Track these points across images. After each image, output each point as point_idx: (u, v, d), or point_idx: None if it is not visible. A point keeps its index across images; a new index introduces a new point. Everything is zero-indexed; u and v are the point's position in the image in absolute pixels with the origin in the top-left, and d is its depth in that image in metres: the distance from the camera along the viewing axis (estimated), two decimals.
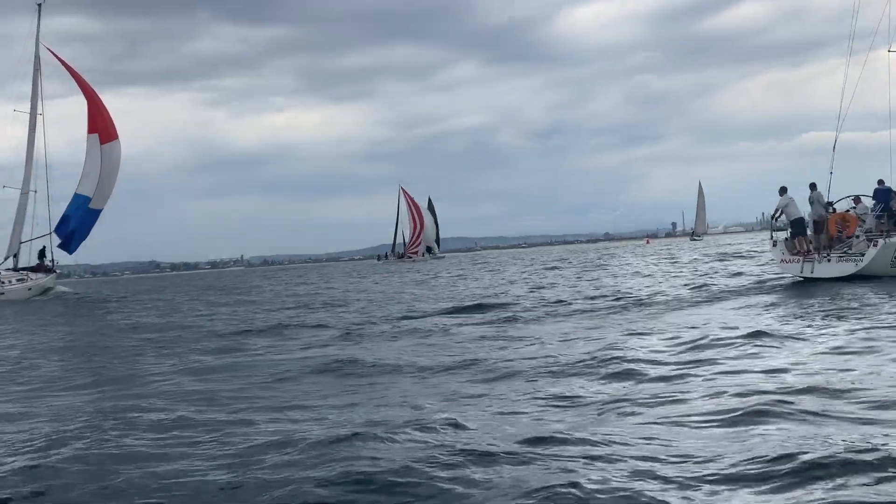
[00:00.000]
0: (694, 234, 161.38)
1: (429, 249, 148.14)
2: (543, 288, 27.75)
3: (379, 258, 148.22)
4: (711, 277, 26.49)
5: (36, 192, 45.72)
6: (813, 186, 23.35)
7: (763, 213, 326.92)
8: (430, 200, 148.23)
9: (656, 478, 5.38)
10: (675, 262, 42.24)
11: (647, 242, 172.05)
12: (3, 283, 43.09)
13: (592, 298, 21.35)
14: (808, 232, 22.90)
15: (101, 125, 45.51)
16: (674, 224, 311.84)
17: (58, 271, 47.23)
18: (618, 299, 20.28)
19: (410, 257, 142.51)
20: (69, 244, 46.32)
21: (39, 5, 46.81)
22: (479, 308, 20.35)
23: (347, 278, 55.89)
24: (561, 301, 21.03)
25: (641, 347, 11.50)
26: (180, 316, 25.46)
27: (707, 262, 38.86)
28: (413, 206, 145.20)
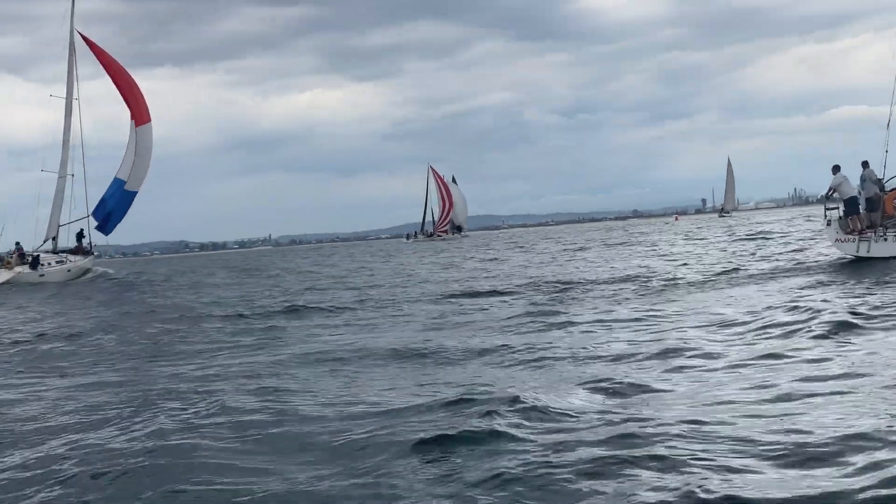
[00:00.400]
0: (723, 211, 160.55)
1: (459, 228, 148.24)
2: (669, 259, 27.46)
3: (408, 237, 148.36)
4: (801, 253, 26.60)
5: (73, 175, 46.10)
6: (865, 164, 22.89)
7: (794, 189, 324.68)
8: (453, 179, 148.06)
9: None
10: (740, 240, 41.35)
11: (676, 220, 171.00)
12: (42, 265, 43.45)
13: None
14: (861, 210, 22.46)
15: (134, 109, 45.70)
16: (703, 201, 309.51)
17: (96, 253, 47.53)
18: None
19: (440, 236, 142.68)
20: (106, 226, 46.73)
21: None
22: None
23: (394, 259, 54.56)
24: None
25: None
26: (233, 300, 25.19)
27: (777, 239, 38.24)
28: (442, 184, 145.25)
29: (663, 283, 19.96)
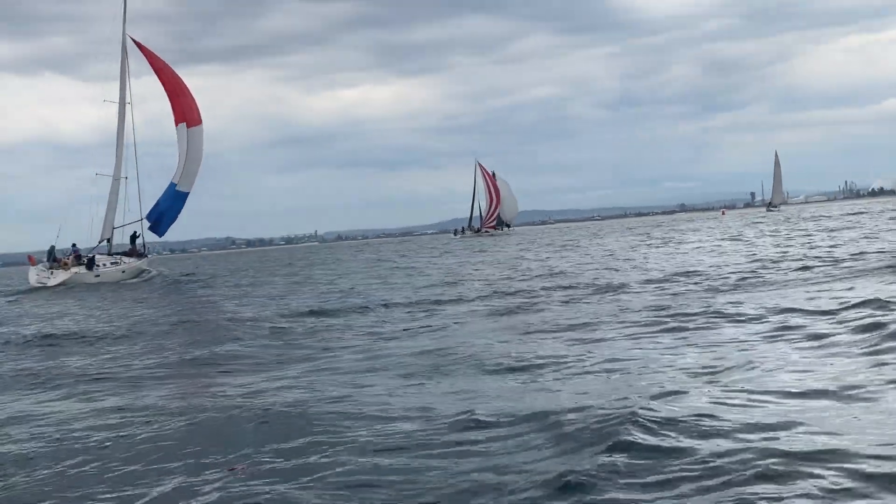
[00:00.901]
0: (771, 205, 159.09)
1: (506, 224, 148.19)
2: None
3: (455, 232, 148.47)
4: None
5: (126, 178, 47.03)
6: None
7: (846, 182, 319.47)
8: (493, 174, 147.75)
9: None
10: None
11: (723, 214, 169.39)
12: (98, 266, 44.31)
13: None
14: None
15: (186, 112, 46.43)
16: (752, 194, 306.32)
17: (150, 255, 48.25)
18: None
19: (488, 231, 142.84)
20: (159, 227, 47.60)
21: None
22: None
23: (462, 255, 53.13)
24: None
25: None
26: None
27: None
28: (489, 180, 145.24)
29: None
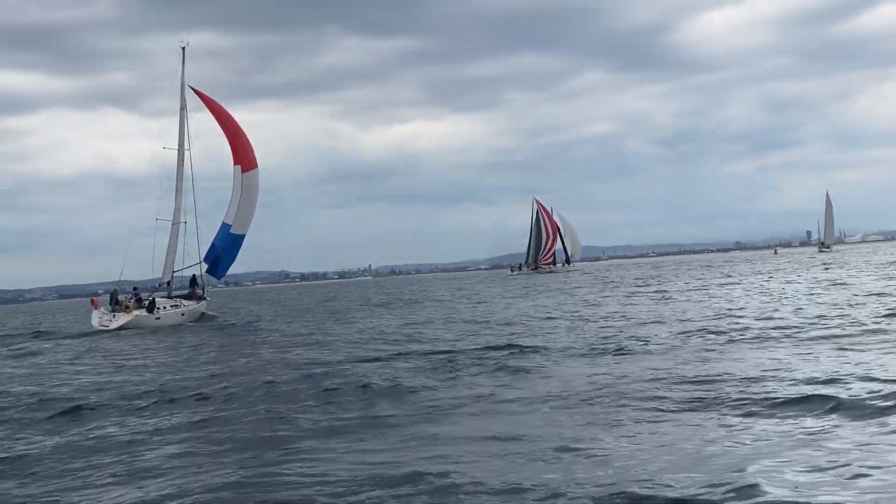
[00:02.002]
0: (822, 245, 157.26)
1: (568, 260, 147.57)
2: None
3: (512, 269, 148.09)
4: None
5: (186, 222, 47.84)
6: None
7: None
8: (551, 210, 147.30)
9: None
10: None
11: (776, 253, 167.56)
12: (158, 308, 45.07)
13: None
14: None
15: (242, 156, 47.24)
16: (808, 233, 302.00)
17: (208, 298, 49.08)
18: None
19: (544, 267, 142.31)
20: (216, 270, 48.33)
21: (183, 49, 48.72)
22: None
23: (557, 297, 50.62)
24: None
25: None
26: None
27: None
28: (546, 216, 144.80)
29: None
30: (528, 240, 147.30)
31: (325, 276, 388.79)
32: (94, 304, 47.54)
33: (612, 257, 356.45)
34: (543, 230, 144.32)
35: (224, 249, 47.60)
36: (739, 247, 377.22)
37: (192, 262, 47.68)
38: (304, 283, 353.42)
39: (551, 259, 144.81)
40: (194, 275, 48.52)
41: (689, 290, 47.73)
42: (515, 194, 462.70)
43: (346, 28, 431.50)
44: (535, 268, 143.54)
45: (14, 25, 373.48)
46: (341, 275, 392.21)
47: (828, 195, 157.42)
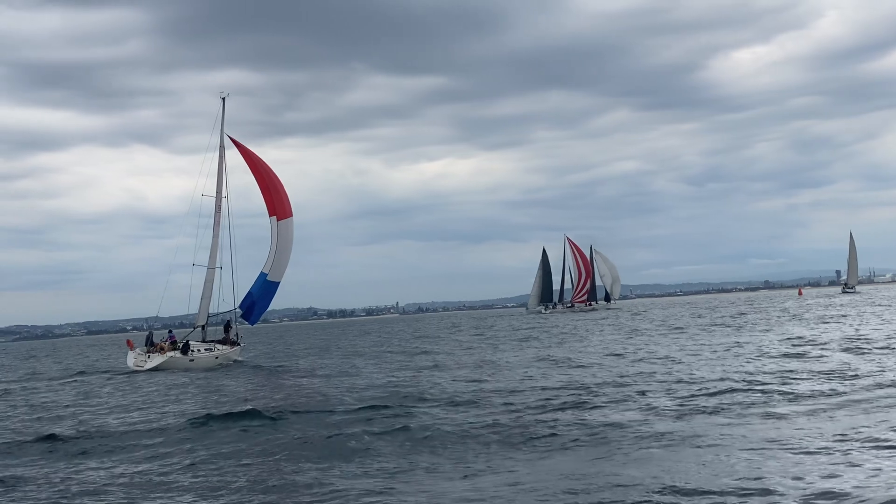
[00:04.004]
0: (846, 286, 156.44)
1: (607, 297, 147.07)
2: None
3: (546, 307, 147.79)
4: None
5: (221, 268, 48.95)
6: None
7: None
8: (591, 248, 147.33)
9: None
10: None
11: (800, 294, 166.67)
12: (192, 351, 46.14)
13: None
14: None
15: (277, 205, 48.42)
16: (837, 272, 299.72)
17: (242, 345, 49.99)
18: None
19: (578, 305, 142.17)
20: (251, 315, 49.46)
21: (223, 99, 50.04)
22: None
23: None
24: None
25: None
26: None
27: None
28: (579, 254, 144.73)
29: None
30: (559, 277, 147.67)
31: (352, 313, 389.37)
32: (130, 346, 48.78)
33: (640, 296, 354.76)
34: (576, 268, 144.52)
35: (259, 297, 48.75)
36: (768, 286, 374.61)
37: (226, 306, 48.89)
38: (330, 319, 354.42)
39: (586, 297, 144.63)
40: (228, 320, 49.57)
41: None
42: (543, 232, 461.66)
43: (373, 66, 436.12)
44: (571, 306, 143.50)
45: (45, 63, 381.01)
46: (368, 312, 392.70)
47: (851, 235, 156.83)
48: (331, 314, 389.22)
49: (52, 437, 19.51)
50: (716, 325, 59.55)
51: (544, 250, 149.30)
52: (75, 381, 42.21)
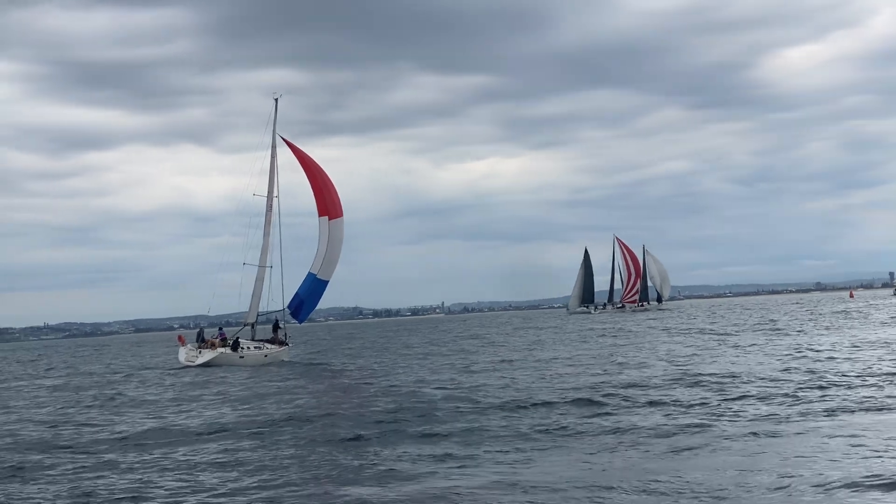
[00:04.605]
0: None
1: (658, 298, 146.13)
2: None
3: (596, 307, 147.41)
4: None
5: (272, 267, 49.37)
6: None
7: None
8: (643, 249, 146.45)
9: None
10: None
11: (851, 296, 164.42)
12: (242, 348, 46.71)
13: None
14: None
15: (329, 205, 48.69)
16: (891, 274, 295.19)
17: (290, 345, 50.25)
18: None
19: (628, 306, 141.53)
20: (299, 314, 49.81)
21: (276, 100, 50.34)
22: None
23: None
24: None
25: None
26: None
27: None
28: (628, 254, 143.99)
29: None
30: (607, 277, 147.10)
31: (397, 312, 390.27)
32: (182, 342, 49.62)
33: (689, 297, 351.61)
34: (625, 268, 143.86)
35: (308, 295, 49.02)
36: (819, 287, 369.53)
37: (274, 304, 49.29)
38: (376, 319, 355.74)
39: (636, 297, 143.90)
40: (277, 319, 49.95)
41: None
42: (589, 232, 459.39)
43: (419, 65, 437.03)
44: (621, 306, 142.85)
45: (94, 63, 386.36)
46: (414, 312, 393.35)
47: None
48: (376, 314, 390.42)
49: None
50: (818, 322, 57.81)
51: (586, 250, 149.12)
52: (138, 374, 43.37)
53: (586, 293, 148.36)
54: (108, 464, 16.02)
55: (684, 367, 29.80)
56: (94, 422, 22.93)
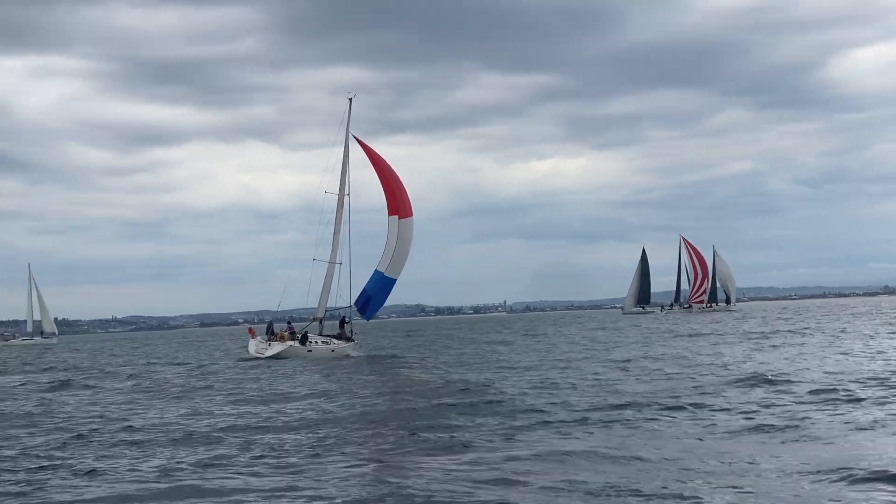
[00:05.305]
0: None
1: (728, 300, 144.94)
2: None
3: (662, 308, 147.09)
4: None
5: (341, 263, 50.27)
6: None
7: None
8: (714, 250, 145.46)
9: None
10: None
11: None
12: (310, 342, 47.96)
13: None
14: None
15: (399, 205, 49.37)
16: None
17: (356, 341, 51.05)
18: None
19: (695, 306, 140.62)
20: (366, 311, 50.78)
21: (350, 100, 51.21)
22: None
23: None
24: None
25: None
26: None
27: None
28: (695, 254, 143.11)
29: None
30: (674, 278, 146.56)
31: (460, 310, 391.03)
32: (252, 334, 51.07)
33: (753, 299, 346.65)
34: (692, 268, 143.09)
35: (376, 292, 49.88)
36: (888, 291, 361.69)
37: (342, 301, 50.26)
38: (438, 317, 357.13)
39: (703, 298, 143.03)
40: (344, 316, 50.98)
41: None
42: (652, 232, 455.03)
43: (483, 64, 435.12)
44: (688, 307, 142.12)
45: (162, 60, 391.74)
46: (476, 310, 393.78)
47: None
48: (438, 311, 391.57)
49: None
50: None
51: (644, 251, 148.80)
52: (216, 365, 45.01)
53: (642, 293, 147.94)
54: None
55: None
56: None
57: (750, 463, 13.38)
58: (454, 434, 16.82)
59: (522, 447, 15.28)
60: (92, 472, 14.31)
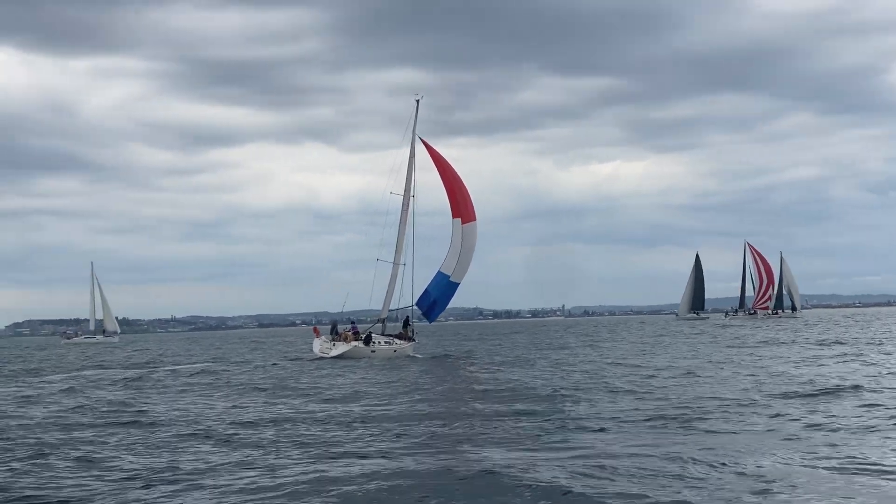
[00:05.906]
0: None
1: (793, 307, 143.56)
2: None
3: (727, 314, 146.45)
4: None
5: (405, 264, 50.89)
6: None
7: None
8: (781, 256, 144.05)
9: None
10: None
11: None
12: (374, 342, 48.60)
13: None
14: None
15: (462, 209, 49.85)
16: None
17: (416, 341, 51.58)
18: None
19: (760, 312, 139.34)
20: (430, 314, 51.46)
21: (417, 101, 51.70)
22: None
23: None
24: None
25: None
26: None
27: None
28: (760, 260, 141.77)
29: None
30: (734, 284, 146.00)
31: (517, 314, 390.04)
32: (317, 333, 51.82)
33: (816, 306, 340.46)
34: (757, 274, 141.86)
35: (440, 296, 50.41)
36: None
37: (404, 302, 50.84)
38: (496, 320, 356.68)
39: (767, 304, 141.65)
40: (407, 317, 51.66)
41: None
42: (713, 237, 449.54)
43: (543, 67, 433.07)
44: (753, 313, 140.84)
45: (224, 61, 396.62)
46: (534, 314, 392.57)
47: None
48: (496, 314, 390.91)
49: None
50: None
51: (697, 256, 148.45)
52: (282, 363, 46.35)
53: (696, 299, 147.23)
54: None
55: None
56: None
57: None
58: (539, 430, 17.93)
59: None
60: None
